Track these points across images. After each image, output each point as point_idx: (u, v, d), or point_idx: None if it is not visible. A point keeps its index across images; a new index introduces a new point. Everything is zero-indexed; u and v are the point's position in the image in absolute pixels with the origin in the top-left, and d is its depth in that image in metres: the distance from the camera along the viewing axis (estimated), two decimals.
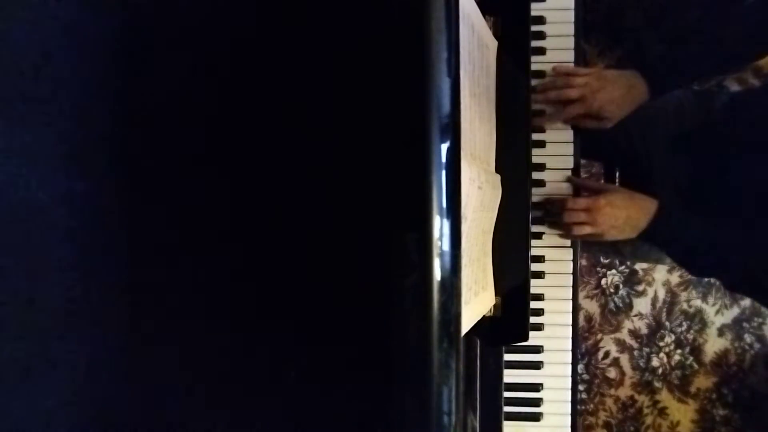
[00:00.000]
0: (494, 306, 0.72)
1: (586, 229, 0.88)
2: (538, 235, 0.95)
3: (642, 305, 1.90)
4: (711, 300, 1.90)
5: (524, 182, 0.81)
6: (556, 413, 0.95)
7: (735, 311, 1.89)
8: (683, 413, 1.89)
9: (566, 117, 0.92)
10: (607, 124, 0.92)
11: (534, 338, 0.91)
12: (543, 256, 0.95)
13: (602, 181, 1.28)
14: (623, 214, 0.88)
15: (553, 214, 0.93)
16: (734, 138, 0.94)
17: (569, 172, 0.96)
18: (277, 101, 0.51)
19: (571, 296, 0.96)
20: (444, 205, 0.43)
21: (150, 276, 0.54)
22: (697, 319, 1.90)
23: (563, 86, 0.90)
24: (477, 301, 0.60)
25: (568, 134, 0.95)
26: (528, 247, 0.80)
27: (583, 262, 1.87)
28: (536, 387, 0.95)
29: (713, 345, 1.90)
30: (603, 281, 1.90)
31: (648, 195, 0.91)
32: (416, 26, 0.43)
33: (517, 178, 0.76)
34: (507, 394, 0.88)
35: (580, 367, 1.87)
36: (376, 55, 0.46)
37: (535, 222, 0.95)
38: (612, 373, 1.90)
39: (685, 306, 1.90)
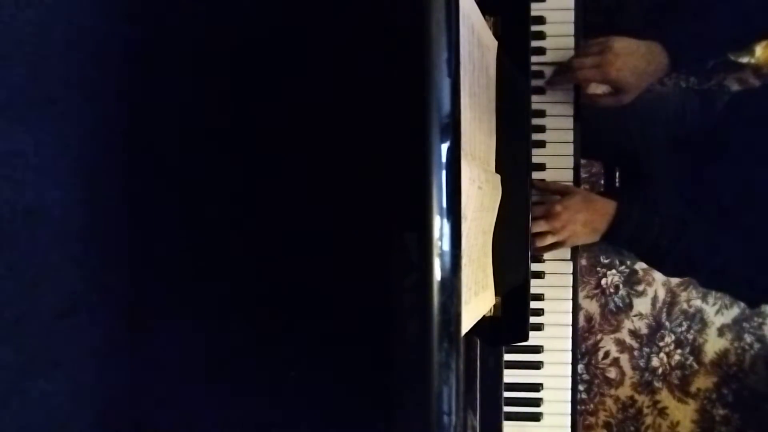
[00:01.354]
0: (494, 306, 0.72)
1: (548, 239, 0.87)
2: None
3: (642, 305, 1.90)
4: (711, 300, 1.90)
5: (524, 182, 0.81)
6: (556, 413, 0.95)
7: (735, 311, 1.89)
8: (683, 413, 1.89)
9: (582, 79, 0.89)
10: (623, 99, 0.88)
11: (534, 338, 0.91)
12: (543, 256, 0.95)
13: (602, 182, 1.28)
14: (581, 218, 0.87)
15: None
16: (734, 138, 0.94)
17: (570, 172, 0.96)
18: (278, 101, 0.51)
19: (571, 296, 0.96)
20: (444, 205, 0.43)
21: (150, 275, 0.54)
22: (697, 319, 1.90)
23: (578, 56, 0.87)
24: (477, 301, 0.60)
25: (568, 134, 0.95)
26: (528, 247, 0.80)
27: (583, 262, 1.87)
28: (536, 387, 0.95)
29: (713, 345, 1.90)
30: (603, 281, 1.90)
31: (610, 197, 0.90)
32: (416, 26, 0.43)
33: (517, 178, 0.76)
34: (507, 394, 0.88)
35: (580, 367, 1.87)
36: (376, 55, 0.46)
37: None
38: (612, 373, 1.90)
39: (685, 306, 1.90)
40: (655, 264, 0.97)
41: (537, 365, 0.95)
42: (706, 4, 0.88)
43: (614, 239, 0.90)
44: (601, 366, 1.90)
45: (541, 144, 0.95)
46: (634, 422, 1.89)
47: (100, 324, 0.54)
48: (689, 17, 0.89)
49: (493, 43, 0.69)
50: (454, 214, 0.43)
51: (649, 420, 1.89)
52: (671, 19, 0.92)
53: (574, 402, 0.96)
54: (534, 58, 0.92)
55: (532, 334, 0.82)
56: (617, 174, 1.18)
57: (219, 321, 0.53)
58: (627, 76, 0.85)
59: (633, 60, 0.85)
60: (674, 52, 0.86)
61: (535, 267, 0.94)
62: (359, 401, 0.49)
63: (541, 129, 0.95)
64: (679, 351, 1.90)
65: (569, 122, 0.95)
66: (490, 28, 0.71)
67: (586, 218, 0.88)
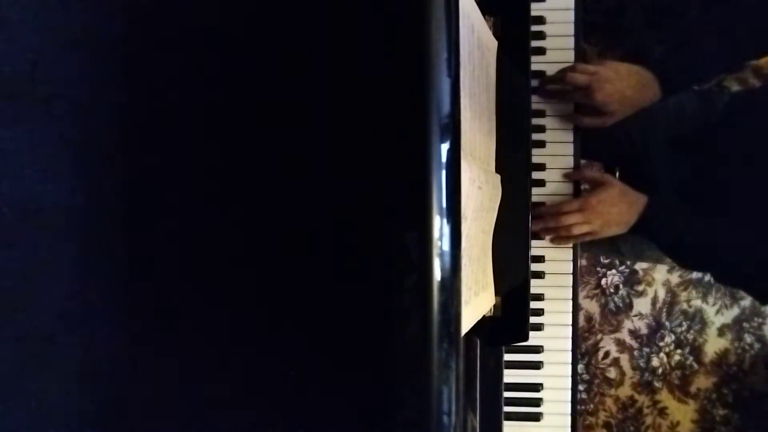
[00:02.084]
0: (494, 306, 0.72)
1: (584, 228, 0.90)
2: (538, 235, 0.95)
3: (642, 305, 1.90)
4: (711, 300, 1.90)
5: (524, 182, 0.81)
6: (556, 413, 0.95)
7: (735, 311, 1.90)
8: (683, 413, 1.89)
9: (567, 100, 0.91)
10: (607, 121, 0.90)
11: (534, 338, 0.91)
12: (543, 256, 0.95)
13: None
14: (615, 210, 0.90)
15: (544, 216, 0.93)
16: (734, 138, 0.94)
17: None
18: (277, 101, 0.51)
19: (571, 296, 0.96)
20: (444, 205, 0.43)
21: (150, 275, 0.54)
22: (697, 319, 1.90)
23: (571, 71, 0.88)
24: (477, 301, 0.60)
25: (568, 134, 0.95)
26: (528, 247, 0.80)
27: (583, 262, 1.87)
28: (536, 387, 0.95)
29: (713, 345, 1.90)
30: (603, 281, 1.90)
31: (641, 192, 0.92)
32: (416, 26, 0.43)
33: (517, 178, 0.76)
34: (507, 394, 0.88)
35: (580, 367, 1.87)
36: (376, 55, 0.46)
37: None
38: (612, 373, 1.90)
39: (685, 306, 1.90)
40: (674, 256, 0.98)
41: (537, 365, 0.95)
42: (698, 34, 0.90)
43: (641, 231, 0.92)
44: (601, 366, 1.90)
45: (541, 144, 0.95)
46: (634, 422, 1.89)
47: (99, 324, 0.54)
48: (681, 47, 0.90)
49: (493, 43, 0.69)
50: (454, 214, 0.43)
51: (649, 420, 1.89)
52: (664, 48, 0.93)
53: (574, 402, 0.96)
54: (534, 58, 0.92)
55: (532, 334, 0.82)
56: (617, 174, 1.18)
57: (218, 321, 0.53)
58: (613, 103, 0.87)
59: (622, 88, 0.86)
60: (665, 81, 0.88)
61: (535, 267, 0.94)
62: (359, 401, 0.49)
63: (541, 129, 0.95)
64: (679, 351, 1.90)
65: (569, 122, 0.95)
66: (490, 28, 0.71)
67: (620, 211, 0.90)
